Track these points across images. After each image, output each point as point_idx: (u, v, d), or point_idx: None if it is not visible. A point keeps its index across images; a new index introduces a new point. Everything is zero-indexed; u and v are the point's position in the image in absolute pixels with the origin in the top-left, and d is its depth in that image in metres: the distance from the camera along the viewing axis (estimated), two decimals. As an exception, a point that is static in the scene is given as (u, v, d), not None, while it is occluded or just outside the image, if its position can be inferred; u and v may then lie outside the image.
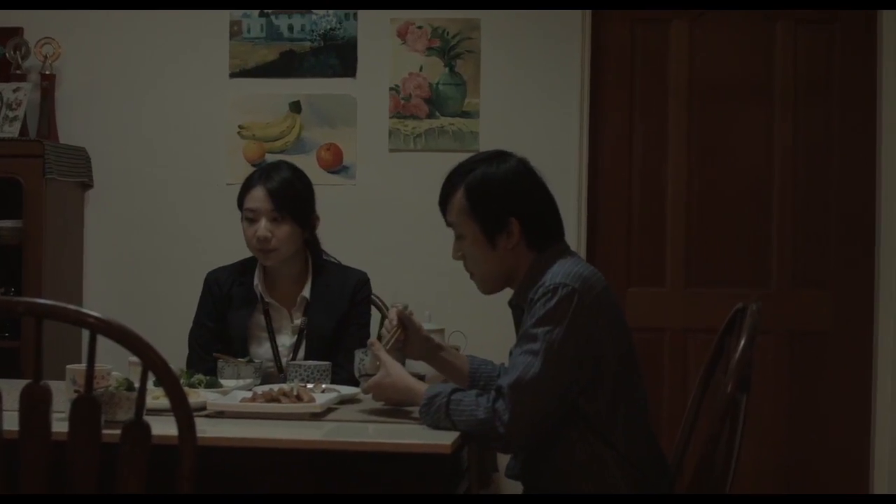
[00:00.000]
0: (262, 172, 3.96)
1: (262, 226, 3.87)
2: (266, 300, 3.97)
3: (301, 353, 3.91)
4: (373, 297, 4.35)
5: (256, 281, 3.98)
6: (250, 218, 3.91)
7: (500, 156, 3.28)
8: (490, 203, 3.19)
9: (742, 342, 2.88)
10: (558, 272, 3.10)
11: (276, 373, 3.92)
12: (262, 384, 3.58)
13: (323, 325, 3.94)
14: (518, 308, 3.26)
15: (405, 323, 3.38)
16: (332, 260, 4.14)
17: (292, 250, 3.95)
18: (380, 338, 3.33)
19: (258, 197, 3.89)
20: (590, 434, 3.08)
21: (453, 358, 3.51)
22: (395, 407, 3.26)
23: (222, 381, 3.59)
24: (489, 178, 3.20)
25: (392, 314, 3.38)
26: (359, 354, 3.37)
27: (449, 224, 3.29)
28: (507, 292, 3.29)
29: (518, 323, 3.25)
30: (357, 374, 3.38)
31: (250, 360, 3.76)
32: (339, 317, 3.97)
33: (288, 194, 3.90)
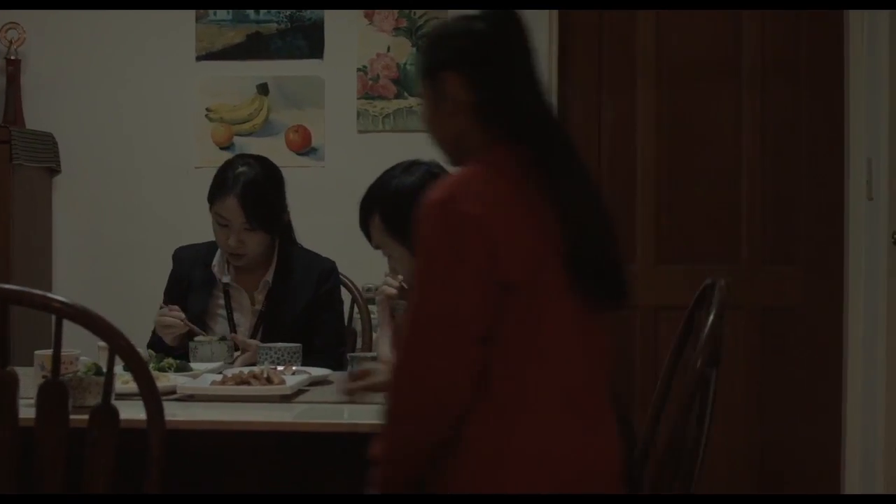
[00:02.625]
0: (235, 177, 3.88)
1: (233, 237, 3.85)
2: (224, 282, 3.96)
3: (259, 337, 3.89)
4: (343, 278, 4.34)
5: (215, 262, 3.97)
6: (221, 224, 3.88)
7: (408, 169, 3.27)
8: (407, 220, 3.16)
9: (711, 317, 2.89)
10: None
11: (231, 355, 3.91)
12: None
13: (283, 310, 3.92)
14: None
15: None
16: (301, 246, 4.12)
17: (263, 250, 3.94)
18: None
19: (230, 207, 3.84)
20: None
21: None
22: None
23: (194, 365, 3.59)
24: (401, 196, 3.17)
25: (389, 289, 3.38)
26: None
27: (375, 246, 3.30)
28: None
29: None
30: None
31: (223, 338, 3.76)
32: (303, 304, 3.95)
33: (259, 205, 3.85)
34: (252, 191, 3.85)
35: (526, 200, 2.36)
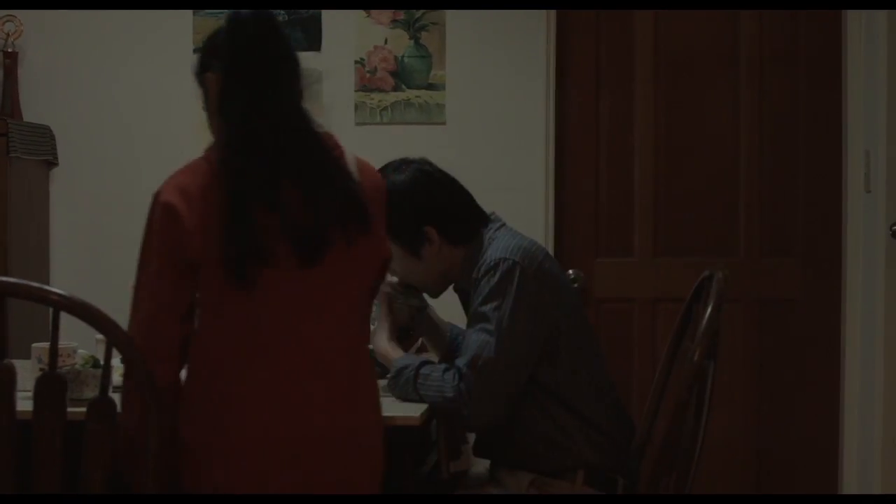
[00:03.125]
0: None
1: None
2: None
3: None
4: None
5: None
6: None
7: (397, 168, 3.28)
8: (401, 219, 3.17)
9: (709, 309, 2.90)
10: (497, 247, 3.13)
11: None
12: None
13: None
14: (464, 292, 3.27)
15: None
16: None
17: None
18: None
19: None
20: (550, 403, 3.10)
21: (440, 322, 3.54)
22: None
23: None
24: (393, 195, 3.18)
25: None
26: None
27: None
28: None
29: (466, 305, 3.27)
30: None
31: None
32: None
33: None
34: None
35: (217, 192, 2.51)
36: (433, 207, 3.22)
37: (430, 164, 3.31)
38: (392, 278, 3.38)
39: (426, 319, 3.47)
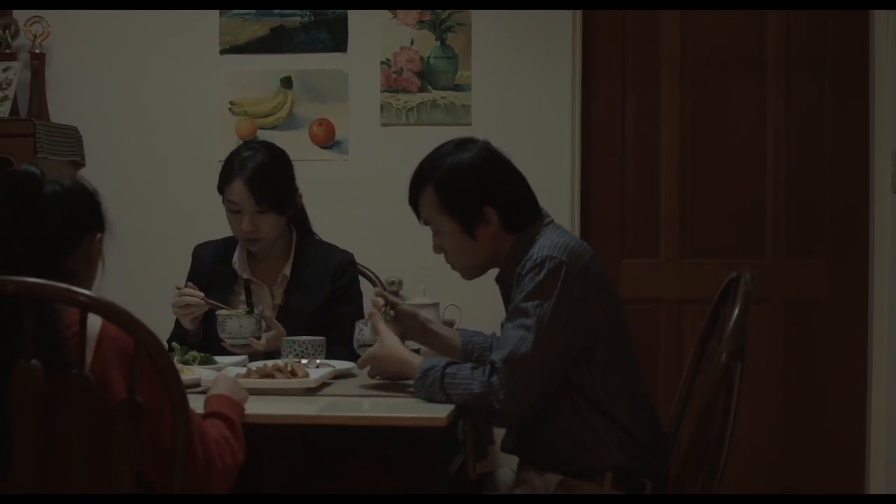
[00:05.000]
0: (240, 162, 3.91)
1: (246, 221, 3.87)
2: (245, 277, 3.97)
3: None
4: (367, 272, 4.35)
5: (235, 258, 3.99)
6: (233, 210, 3.91)
7: (462, 145, 3.24)
8: (462, 195, 3.16)
9: (736, 311, 2.88)
10: (545, 245, 3.09)
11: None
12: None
13: (302, 303, 3.93)
14: (505, 284, 3.25)
15: (390, 301, 3.39)
16: (319, 238, 4.13)
17: (278, 233, 3.95)
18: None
19: (238, 191, 3.87)
20: (583, 404, 3.08)
21: (444, 333, 3.51)
22: (390, 381, 3.27)
23: (227, 338, 3.66)
24: (457, 170, 3.16)
25: (377, 300, 3.38)
26: (359, 325, 3.38)
27: (424, 223, 3.28)
28: (497, 268, 3.29)
29: (507, 298, 3.25)
30: (356, 346, 3.38)
31: (250, 311, 3.76)
32: (321, 297, 3.96)
33: (267, 185, 3.87)
34: (258, 172, 3.87)
35: None
36: (497, 188, 3.18)
37: (493, 146, 3.28)
38: (377, 298, 3.36)
39: (417, 324, 3.45)
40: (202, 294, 3.80)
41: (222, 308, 3.78)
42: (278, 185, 3.91)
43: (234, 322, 3.71)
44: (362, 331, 3.35)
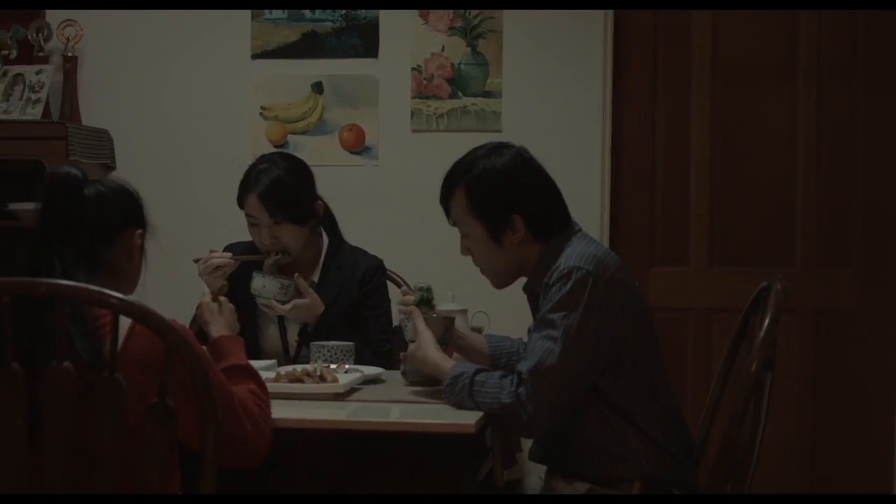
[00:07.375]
0: (255, 175, 3.93)
1: (265, 233, 3.90)
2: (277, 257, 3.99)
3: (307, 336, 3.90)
4: (396, 277, 4.35)
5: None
6: (251, 223, 3.93)
7: (497, 150, 3.23)
8: (492, 201, 3.16)
9: (766, 321, 2.88)
10: (572, 255, 3.08)
11: (283, 354, 3.94)
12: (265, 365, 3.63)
13: (331, 309, 3.93)
14: (533, 294, 3.25)
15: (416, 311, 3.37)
16: (348, 244, 4.14)
17: (301, 243, 3.96)
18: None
19: (253, 204, 3.91)
20: (611, 413, 3.07)
21: (471, 341, 3.51)
22: (425, 382, 3.27)
23: (253, 293, 3.85)
24: (489, 175, 3.16)
25: (406, 298, 3.38)
26: (403, 321, 3.39)
27: (453, 223, 3.28)
28: (526, 275, 3.29)
29: (534, 307, 3.24)
30: (406, 339, 3.39)
31: (277, 277, 3.88)
32: (350, 302, 3.96)
33: (280, 199, 3.89)
34: (272, 186, 3.89)
35: None
36: (526, 197, 3.18)
37: (527, 151, 3.27)
38: (409, 297, 3.36)
39: (455, 332, 3.45)
40: (230, 254, 3.92)
41: (254, 259, 3.91)
42: (293, 197, 3.91)
43: (258, 280, 3.85)
44: (406, 327, 3.36)
